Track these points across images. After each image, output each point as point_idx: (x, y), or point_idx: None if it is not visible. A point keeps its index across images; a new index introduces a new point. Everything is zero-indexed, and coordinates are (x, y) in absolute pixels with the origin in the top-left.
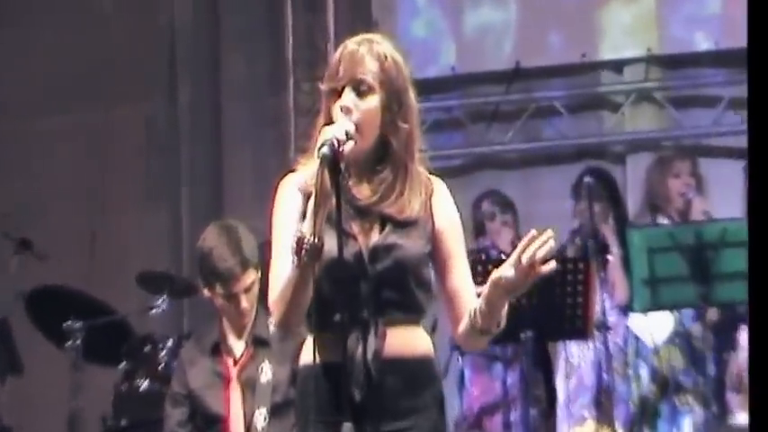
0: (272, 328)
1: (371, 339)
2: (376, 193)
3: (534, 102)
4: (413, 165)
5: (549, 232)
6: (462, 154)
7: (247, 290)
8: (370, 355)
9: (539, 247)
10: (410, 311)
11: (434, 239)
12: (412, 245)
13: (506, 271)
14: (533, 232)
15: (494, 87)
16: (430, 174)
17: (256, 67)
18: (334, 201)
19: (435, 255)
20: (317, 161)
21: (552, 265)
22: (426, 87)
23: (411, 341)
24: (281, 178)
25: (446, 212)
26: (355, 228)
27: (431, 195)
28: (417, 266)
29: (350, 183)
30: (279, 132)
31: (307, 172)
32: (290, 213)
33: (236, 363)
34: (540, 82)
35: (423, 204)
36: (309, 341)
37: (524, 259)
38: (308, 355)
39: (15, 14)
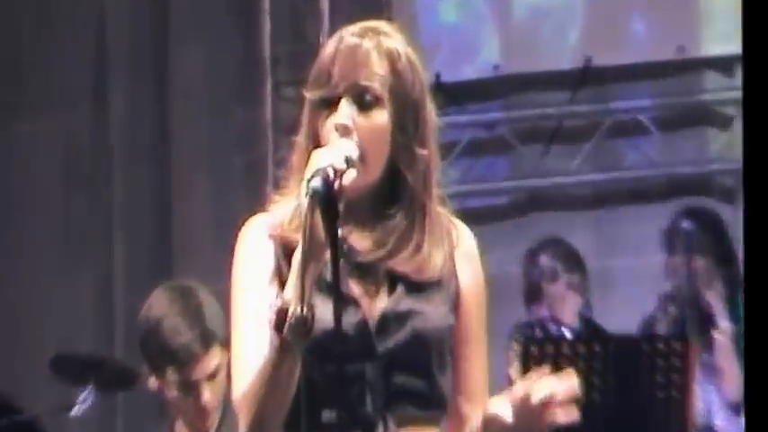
0: None
1: None
2: (384, 245)
3: (611, 115)
4: (432, 204)
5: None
6: (510, 188)
7: (211, 376)
8: None
9: (554, 383)
10: (431, 406)
11: (456, 306)
12: (433, 312)
13: (503, 409)
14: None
15: (554, 95)
16: (452, 217)
17: (219, 66)
18: (328, 255)
19: (456, 335)
20: (305, 199)
21: (575, 414)
22: (460, 94)
23: None
24: (247, 221)
25: (472, 274)
26: (356, 290)
27: (455, 247)
28: (441, 343)
29: (348, 230)
30: (251, 157)
31: (283, 213)
32: (261, 271)
33: None
34: (619, 87)
35: (446, 259)
36: None
37: (536, 396)
38: None
39: None
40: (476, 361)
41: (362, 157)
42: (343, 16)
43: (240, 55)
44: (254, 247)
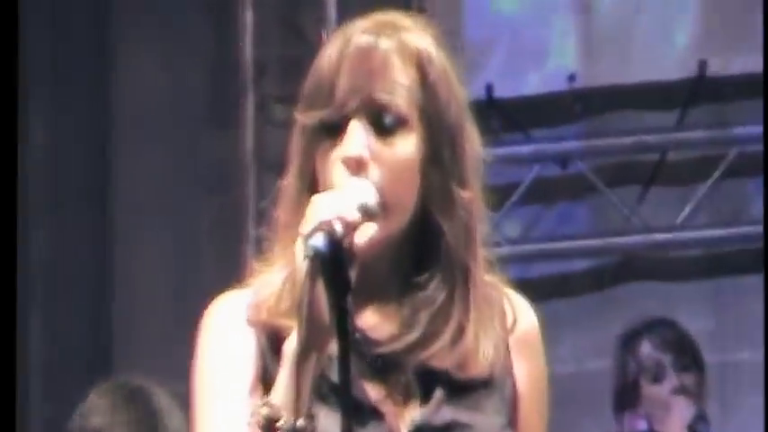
0: None
1: None
2: (414, 328)
3: (735, 144)
4: (478, 269)
5: None
6: (591, 249)
7: None
8: None
9: None
10: None
11: (512, 409)
12: (486, 425)
13: None
14: None
15: (654, 116)
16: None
17: (182, 77)
18: (333, 344)
19: None
20: (302, 264)
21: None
22: (521, 115)
23: None
24: (216, 300)
25: (534, 369)
26: (377, 395)
27: (510, 331)
28: None
29: (363, 308)
30: (224, 201)
31: (269, 289)
32: (237, 369)
33: None
34: (746, 105)
35: (499, 348)
36: None
37: None
38: None
39: None
40: None
41: (383, 203)
42: (356, 6)
43: (211, 61)
44: (227, 338)
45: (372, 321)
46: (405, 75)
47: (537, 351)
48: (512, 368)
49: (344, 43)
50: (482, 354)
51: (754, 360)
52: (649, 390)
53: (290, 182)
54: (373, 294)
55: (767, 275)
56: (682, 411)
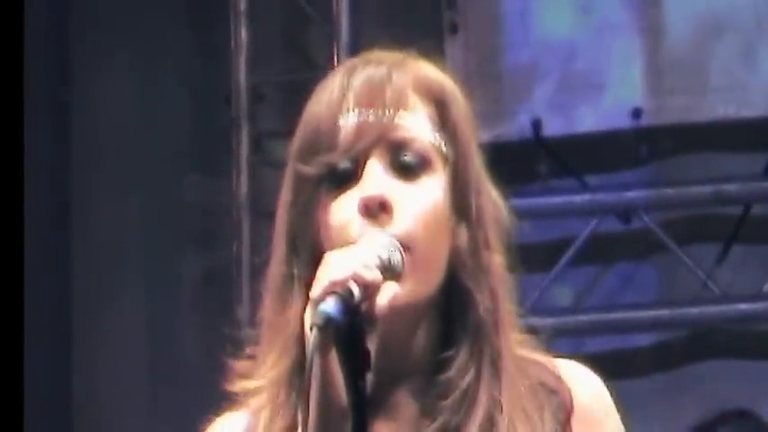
0: None
1: None
2: (436, 415)
3: None
4: (508, 350)
5: None
6: (658, 319)
7: None
8: None
9: None
10: None
11: None
12: None
13: None
14: None
15: (737, 160)
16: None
17: (158, 108)
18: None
19: None
20: (311, 335)
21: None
22: (573, 158)
23: None
24: (209, 424)
25: None
26: None
27: (567, 408)
28: None
29: (389, 401)
30: (211, 263)
31: (263, 408)
32: None
33: None
34: None
35: None
36: None
37: None
38: None
39: None
40: None
41: (410, 259)
42: (373, 24)
43: (197, 88)
44: None
45: (391, 406)
46: (423, 112)
47: (608, 425)
48: None
49: (348, 77)
50: None
51: None
52: None
53: (277, 267)
54: (393, 373)
55: None
56: None
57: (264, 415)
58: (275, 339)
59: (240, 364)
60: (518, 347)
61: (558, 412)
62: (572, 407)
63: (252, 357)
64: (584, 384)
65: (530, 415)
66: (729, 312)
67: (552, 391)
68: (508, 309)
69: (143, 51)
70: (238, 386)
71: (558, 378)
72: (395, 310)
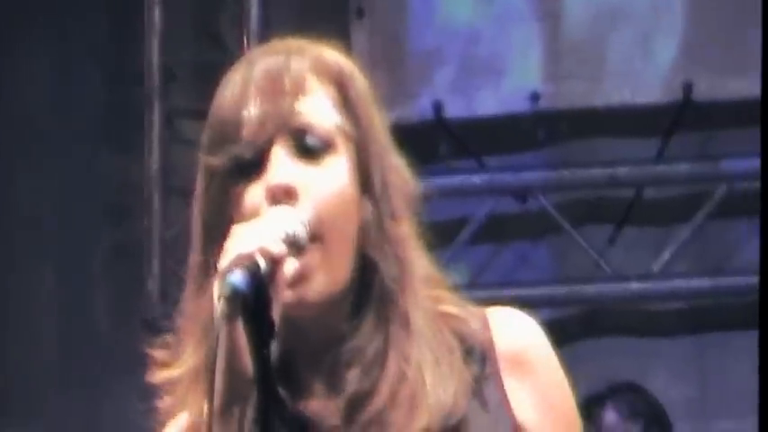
0: None
1: None
2: (342, 389)
3: (724, 180)
4: (417, 311)
5: None
6: (553, 297)
7: None
8: None
9: None
10: None
11: None
12: None
13: None
14: None
15: (630, 145)
16: (482, 306)
17: (72, 86)
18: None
19: None
20: (218, 305)
21: None
22: (474, 139)
23: None
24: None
25: (533, 384)
26: None
27: (490, 355)
28: None
29: (290, 362)
30: (120, 237)
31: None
32: None
33: None
34: (736, 135)
35: (469, 386)
36: None
37: None
38: None
39: None
40: None
41: (317, 235)
42: (283, 11)
43: (110, 67)
44: None
45: (300, 377)
46: (323, 94)
47: (538, 363)
48: (505, 398)
49: (249, 69)
50: (431, 401)
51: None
52: None
53: (195, 257)
54: (301, 343)
55: (762, 327)
56: None
57: (189, 402)
58: (194, 327)
59: (159, 354)
60: (440, 304)
61: (477, 360)
62: (496, 356)
63: (171, 346)
64: (511, 332)
65: (443, 369)
66: (620, 291)
67: (472, 344)
68: (421, 271)
69: (58, 32)
70: (159, 376)
71: (483, 329)
72: (307, 304)
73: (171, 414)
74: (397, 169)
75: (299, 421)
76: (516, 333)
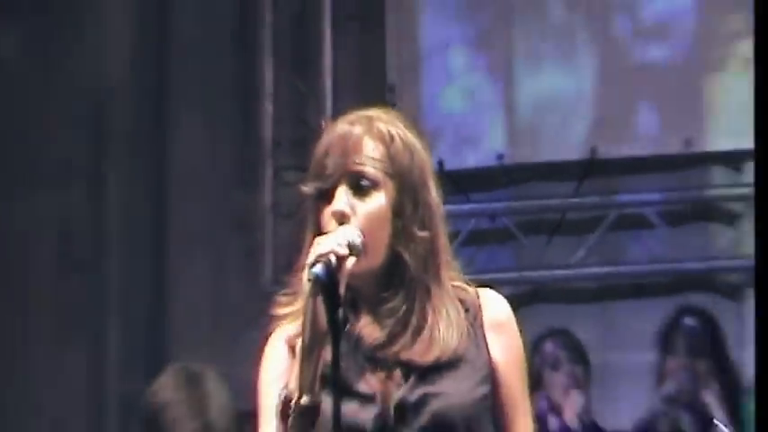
0: None
1: None
2: (383, 331)
3: (616, 208)
4: (439, 285)
5: None
6: (512, 279)
7: None
8: None
9: None
10: None
11: (490, 378)
12: (455, 390)
13: None
14: None
15: (558, 186)
16: (478, 287)
17: (217, 148)
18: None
19: (492, 400)
20: (306, 285)
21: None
22: (463, 182)
23: None
24: (270, 333)
25: (506, 343)
26: (372, 384)
27: (478, 315)
28: (469, 417)
29: (359, 321)
30: (249, 241)
31: (299, 320)
32: (273, 373)
33: None
34: (625, 180)
35: (465, 332)
36: None
37: None
38: None
39: None
40: (520, 422)
41: (364, 242)
42: (345, 101)
43: (240, 137)
44: (272, 355)
45: (365, 330)
46: (374, 150)
47: (507, 328)
48: (486, 345)
49: (331, 132)
50: (443, 344)
51: (625, 361)
52: (550, 378)
53: (305, 236)
54: (366, 310)
55: (758, 294)
56: (573, 396)
57: (291, 328)
58: (299, 290)
59: (279, 299)
60: (452, 281)
61: (472, 318)
62: (482, 316)
63: (285, 301)
64: (493, 304)
65: (451, 323)
66: (553, 276)
67: (468, 306)
68: (444, 259)
69: (212, 114)
70: (279, 312)
71: (475, 299)
72: (356, 273)
73: (280, 326)
74: (428, 198)
75: (356, 339)
76: (496, 306)
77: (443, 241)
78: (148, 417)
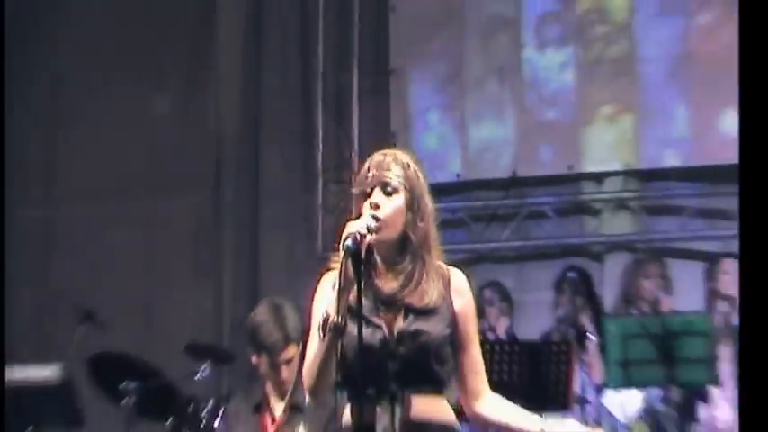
0: (307, 398)
1: (398, 408)
2: (396, 282)
3: (527, 206)
4: (430, 258)
5: None
6: (465, 249)
7: (288, 362)
8: (397, 421)
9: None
10: (432, 385)
11: (454, 328)
12: (432, 329)
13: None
14: None
15: (493, 193)
16: (449, 265)
17: (291, 169)
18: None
19: (452, 336)
20: (342, 253)
21: None
22: (435, 191)
23: (433, 410)
24: (321, 277)
25: (462, 303)
26: (382, 317)
27: (448, 284)
28: (438, 348)
29: (376, 277)
30: (308, 226)
31: (337, 272)
32: (322, 303)
33: (273, 421)
34: (533, 189)
35: (441, 292)
36: (348, 407)
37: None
38: (347, 418)
39: (83, 115)
40: (473, 355)
41: (386, 224)
42: (365, 142)
43: (304, 162)
44: (321, 293)
45: (380, 282)
46: (398, 170)
47: (465, 293)
48: (452, 302)
49: (371, 159)
50: (429, 295)
51: (534, 299)
52: (488, 310)
53: (350, 219)
54: (380, 270)
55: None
56: (504, 321)
57: (332, 276)
58: (338, 254)
59: (330, 259)
60: (436, 258)
61: (444, 284)
62: (450, 283)
63: (332, 258)
64: (456, 276)
65: (434, 283)
66: (490, 247)
67: (442, 276)
68: (430, 244)
69: (286, 145)
70: (332, 264)
71: (447, 272)
72: (379, 246)
73: (325, 275)
74: (426, 203)
75: (374, 288)
76: (459, 278)
77: (434, 231)
78: (252, 328)
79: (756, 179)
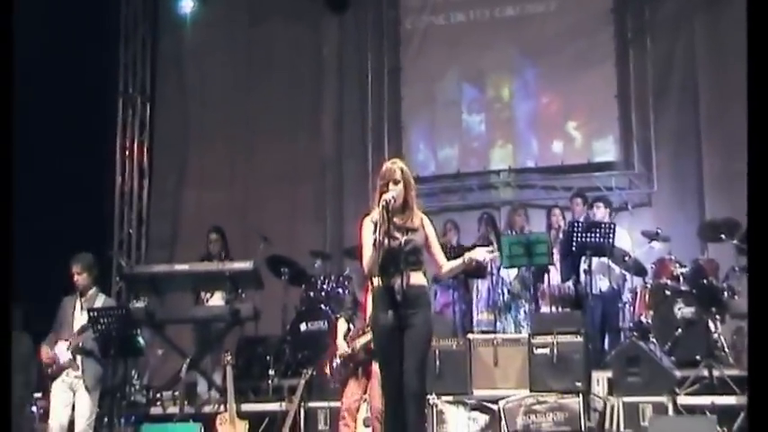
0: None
1: (404, 277)
2: (403, 219)
3: (466, 186)
4: (415, 208)
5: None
6: (434, 206)
7: None
8: (404, 284)
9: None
10: (418, 265)
11: (426, 237)
12: (419, 239)
13: (475, 255)
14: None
15: (450, 182)
16: (423, 213)
17: (358, 175)
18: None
19: (426, 243)
20: (380, 209)
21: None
22: (416, 180)
23: (419, 279)
24: (363, 218)
25: (429, 228)
26: (398, 234)
27: (422, 220)
28: (421, 248)
29: (393, 218)
30: (365, 175)
31: (375, 215)
32: (369, 231)
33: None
34: (468, 178)
35: (420, 222)
36: (378, 278)
37: (476, 257)
38: (378, 283)
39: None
40: (436, 248)
41: (396, 198)
42: (392, 154)
43: (370, 156)
44: (367, 225)
45: (396, 220)
46: (399, 173)
47: (428, 223)
48: (424, 227)
49: (384, 167)
50: (416, 222)
51: (471, 228)
52: (449, 234)
53: (377, 195)
54: (396, 215)
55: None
56: (454, 236)
57: (374, 215)
58: (375, 204)
59: (371, 210)
60: (417, 208)
61: (419, 220)
62: (423, 220)
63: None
64: (425, 217)
65: (417, 218)
66: (459, 203)
67: (420, 216)
68: (413, 204)
69: (362, 151)
70: (371, 212)
71: (424, 215)
72: (395, 205)
73: (369, 214)
74: (412, 185)
75: (397, 226)
76: (426, 218)
77: (415, 198)
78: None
79: (763, 182)
